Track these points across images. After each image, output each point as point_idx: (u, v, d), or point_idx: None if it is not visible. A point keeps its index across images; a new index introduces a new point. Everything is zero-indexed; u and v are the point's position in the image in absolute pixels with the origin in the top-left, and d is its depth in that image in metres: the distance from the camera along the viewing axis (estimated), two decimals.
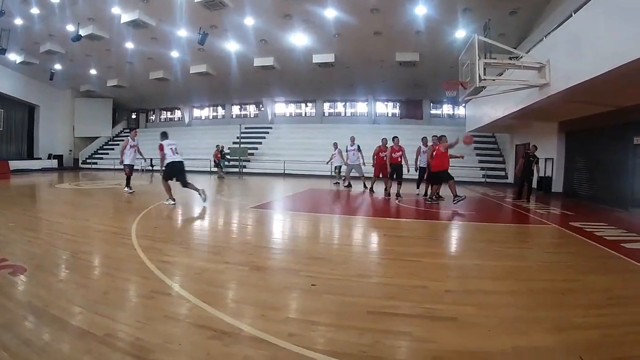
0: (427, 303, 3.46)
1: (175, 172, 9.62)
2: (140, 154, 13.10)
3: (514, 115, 15.64)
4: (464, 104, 24.58)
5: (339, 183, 17.84)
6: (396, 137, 13.05)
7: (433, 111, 31.70)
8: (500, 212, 10.57)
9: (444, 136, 11.66)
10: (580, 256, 5.70)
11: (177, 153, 9.68)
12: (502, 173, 24.82)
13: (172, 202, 9.64)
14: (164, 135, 10.12)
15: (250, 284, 3.94)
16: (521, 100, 13.89)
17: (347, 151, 16.24)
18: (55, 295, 3.48)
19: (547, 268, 4.91)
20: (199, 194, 9.82)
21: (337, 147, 17.95)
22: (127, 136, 12.64)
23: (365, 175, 15.94)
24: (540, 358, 2.60)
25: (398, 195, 12.70)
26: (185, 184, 9.73)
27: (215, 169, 24.57)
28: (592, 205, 13.01)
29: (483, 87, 12.71)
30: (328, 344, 2.68)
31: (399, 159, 12.68)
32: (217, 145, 24.58)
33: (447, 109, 31.49)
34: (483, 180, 23.57)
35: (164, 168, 9.60)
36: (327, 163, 19.18)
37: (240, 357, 2.50)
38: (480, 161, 25.29)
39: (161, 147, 9.59)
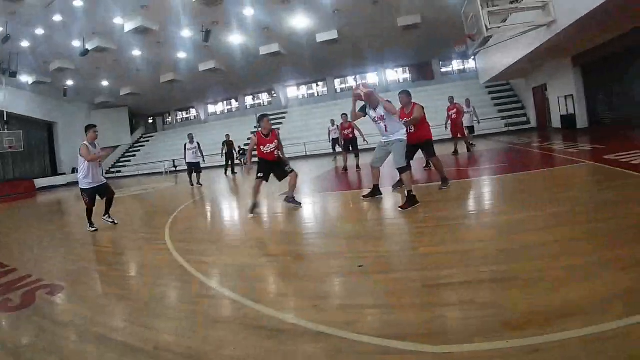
0: (482, 266, 3.25)
1: None
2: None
3: (526, 58, 15.34)
4: (473, 57, 24.09)
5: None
6: (344, 114, 12.86)
7: (443, 69, 31.28)
8: (530, 159, 10.23)
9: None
10: (625, 189, 5.47)
11: None
12: (524, 119, 24.33)
13: None
14: None
15: (295, 275, 3.79)
16: (530, 43, 13.61)
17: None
18: (97, 311, 3.36)
19: (596, 208, 4.69)
20: None
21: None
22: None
23: None
24: (616, 301, 2.38)
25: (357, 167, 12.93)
26: None
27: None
28: (621, 133, 12.57)
29: (490, 36, 12.39)
30: (388, 327, 2.51)
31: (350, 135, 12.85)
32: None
33: (457, 65, 30.99)
34: (506, 129, 23.13)
35: None
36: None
37: (300, 354, 2.36)
38: (500, 111, 24.84)
39: None
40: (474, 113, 14.81)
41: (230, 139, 19.60)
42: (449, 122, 13.09)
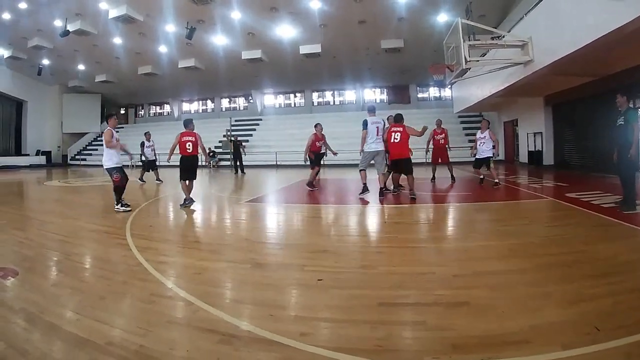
0: (437, 289, 3.36)
1: None
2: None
3: (501, 93, 15.77)
4: (450, 86, 24.64)
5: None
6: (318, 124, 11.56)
7: (420, 95, 31.94)
8: (495, 190, 10.50)
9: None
10: (580, 227, 5.73)
11: None
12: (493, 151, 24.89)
13: None
14: None
15: (254, 283, 3.79)
16: (506, 78, 14.02)
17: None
18: (50, 300, 3.31)
19: (550, 242, 4.87)
20: None
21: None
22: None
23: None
24: (557, 333, 2.53)
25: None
26: None
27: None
28: (584, 174, 13.12)
29: (469, 68, 12.76)
30: (342, 341, 2.57)
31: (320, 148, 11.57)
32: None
33: (433, 91, 31.68)
34: (474, 159, 23.54)
35: None
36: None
37: None
38: (470, 140, 25.28)
39: None
40: (488, 140, 12.25)
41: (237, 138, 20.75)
42: (432, 146, 12.42)
